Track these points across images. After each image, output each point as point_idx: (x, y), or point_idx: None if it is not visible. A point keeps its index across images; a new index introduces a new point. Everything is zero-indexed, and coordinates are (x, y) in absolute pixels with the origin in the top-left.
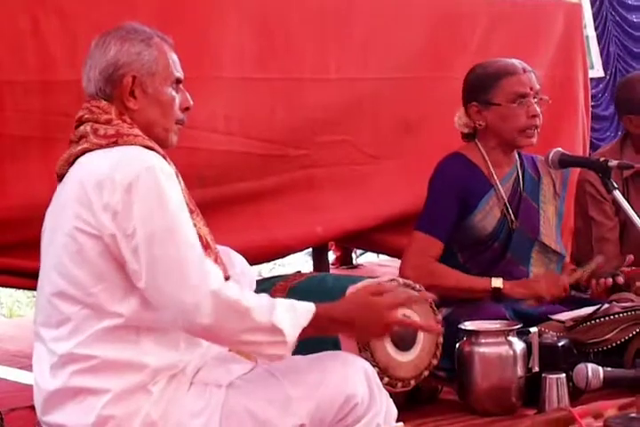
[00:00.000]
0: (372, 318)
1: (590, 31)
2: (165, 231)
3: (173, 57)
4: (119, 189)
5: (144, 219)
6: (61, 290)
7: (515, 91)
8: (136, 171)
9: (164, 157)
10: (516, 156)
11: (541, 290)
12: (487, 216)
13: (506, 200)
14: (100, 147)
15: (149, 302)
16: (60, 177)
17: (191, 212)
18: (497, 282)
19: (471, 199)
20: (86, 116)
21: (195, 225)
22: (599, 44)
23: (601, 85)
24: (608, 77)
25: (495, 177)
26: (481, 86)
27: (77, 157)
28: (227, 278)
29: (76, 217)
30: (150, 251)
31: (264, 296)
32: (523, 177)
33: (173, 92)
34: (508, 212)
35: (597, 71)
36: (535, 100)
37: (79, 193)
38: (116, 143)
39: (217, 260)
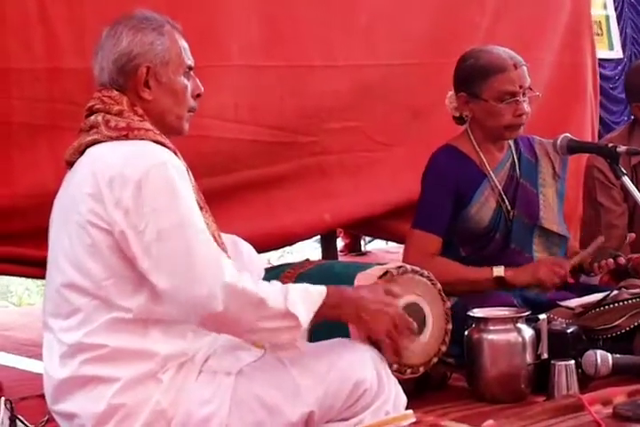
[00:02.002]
0: (383, 318)
1: (611, 11)
2: (177, 227)
3: (184, 44)
4: (130, 186)
5: (155, 215)
6: (72, 281)
7: (503, 90)
8: (146, 167)
9: (175, 153)
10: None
11: (542, 275)
12: (482, 208)
13: (500, 189)
14: (110, 139)
15: (158, 296)
16: (70, 164)
17: (200, 209)
18: (498, 271)
19: (466, 192)
20: (97, 106)
21: (204, 222)
22: (618, 25)
23: (619, 67)
24: (625, 60)
25: (488, 166)
26: (470, 79)
27: (88, 146)
28: None
29: (90, 211)
30: (163, 247)
31: (276, 283)
32: (519, 161)
33: (185, 80)
34: (503, 201)
35: (617, 52)
36: (524, 98)
37: (92, 188)
38: (126, 137)
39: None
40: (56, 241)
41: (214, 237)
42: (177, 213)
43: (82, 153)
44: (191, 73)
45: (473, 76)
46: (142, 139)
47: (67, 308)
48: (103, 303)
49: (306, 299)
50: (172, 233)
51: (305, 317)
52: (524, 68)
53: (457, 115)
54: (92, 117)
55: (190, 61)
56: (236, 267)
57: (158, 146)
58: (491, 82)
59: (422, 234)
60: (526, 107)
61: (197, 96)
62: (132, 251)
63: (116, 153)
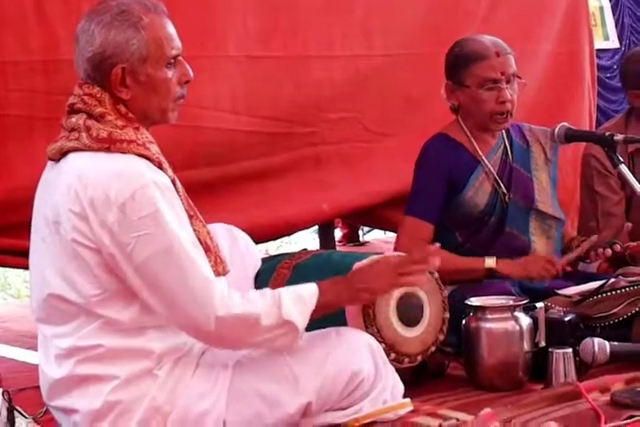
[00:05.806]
0: (380, 272)
1: (605, 2)
2: (164, 253)
3: (168, 32)
4: (114, 208)
5: (142, 240)
6: (60, 294)
7: (484, 76)
8: (131, 189)
9: (161, 165)
10: None
11: (533, 271)
12: (478, 193)
13: (495, 174)
14: (91, 149)
15: (150, 307)
16: (53, 160)
17: (190, 217)
18: (490, 262)
19: (459, 178)
20: (79, 105)
21: (195, 230)
22: (614, 15)
23: (617, 56)
24: (623, 49)
25: (480, 153)
26: (454, 67)
27: (69, 151)
28: (226, 273)
29: (74, 229)
30: (151, 273)
31: (267, 293)
32: (511, 147)
33: (169, 72)
34: (499, 185)
35: (613, 42)
36: (508, 85)
37: (76, 206)
38: (108, 149)
39: (217, 259)
40: (39, 248)
41: (206, 243)
42: (164, 238)
43: (64, 154)
44: (179, 59)
45: (457, 65)
46: (125, 152)
47: (57, 317)
48: (94, 316)
49: (299, 304)
50: (160, 260)
51: (301, 321)
52: (509, 56)
53: (451, 104)
54: (74, 119)
55: (175, 50)
56: (225, 287)
57: (142, 161)
58: (472, 69)
59: (414, 221)
60: (509, 94)
61: (186, 82)
62: (123, 271)
63: (99, 171)
